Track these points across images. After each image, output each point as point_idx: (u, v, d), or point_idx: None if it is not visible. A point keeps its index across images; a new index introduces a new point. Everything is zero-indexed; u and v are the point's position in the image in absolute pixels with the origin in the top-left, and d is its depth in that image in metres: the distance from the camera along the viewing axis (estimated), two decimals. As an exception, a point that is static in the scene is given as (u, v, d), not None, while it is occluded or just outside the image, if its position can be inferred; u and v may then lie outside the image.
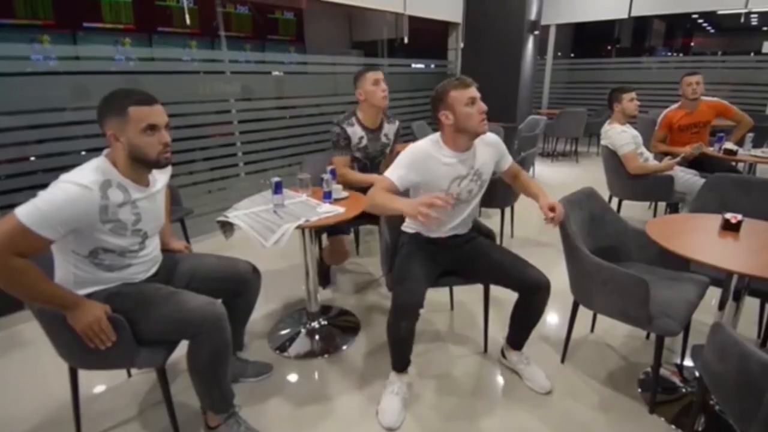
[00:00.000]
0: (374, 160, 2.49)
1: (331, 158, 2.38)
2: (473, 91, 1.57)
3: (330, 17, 7.15)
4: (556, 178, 5.43)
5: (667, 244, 1.48)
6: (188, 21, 3.27)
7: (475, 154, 1.69)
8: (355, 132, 2.37)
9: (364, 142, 2.40)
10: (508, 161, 1.83)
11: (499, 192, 3.11)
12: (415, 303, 1.55)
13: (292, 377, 1.88)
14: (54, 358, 1.40)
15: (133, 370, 1.87)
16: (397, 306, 1.56)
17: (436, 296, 2.53)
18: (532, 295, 1.70)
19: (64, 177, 1.22)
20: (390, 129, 2.51)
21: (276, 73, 4.15)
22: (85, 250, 1.29)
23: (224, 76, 3.55)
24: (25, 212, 1.13)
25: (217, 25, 5.85)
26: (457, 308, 2.41)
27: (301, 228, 1.76)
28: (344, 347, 2.07)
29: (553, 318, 2.32)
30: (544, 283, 1.66)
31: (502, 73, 5.52)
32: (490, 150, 1.75)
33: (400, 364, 1.71)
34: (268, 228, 1.71)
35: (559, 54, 8.24)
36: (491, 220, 3.71)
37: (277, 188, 1.92)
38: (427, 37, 5.75)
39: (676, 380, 1.82)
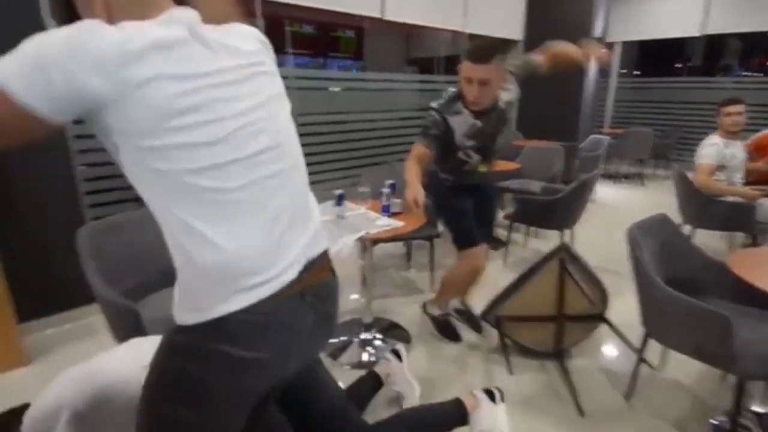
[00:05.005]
0: (492, 136, 2.05)
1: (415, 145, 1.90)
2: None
3: (389, 35, 7.33)
4: (621, 201, 5.18)
5: (753, 280, 1.37)
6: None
7: None
8: (465, 121, 1.92)
9: (478, 125, 1.95)
10: None
11: (558, 212, 3.01)
12: None
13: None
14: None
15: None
16: None
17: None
18: None
19: None
20: (505, 97, 2.02)
21: (332, 88, 4.25)
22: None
23: (288, 91, 3.72)
24: None
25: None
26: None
27: (362, 240, 1.80)
28: (395, 361, 2.07)
29: (617, 350, 2.19)
30: None
31: (563, 90, 5.36)
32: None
33: None
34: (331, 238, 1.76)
35: (624, 71, 7.92)
36: (549, 242, 3.57)
37: (340, 200, 1.97)
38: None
39: (755, 429, 1.65)
